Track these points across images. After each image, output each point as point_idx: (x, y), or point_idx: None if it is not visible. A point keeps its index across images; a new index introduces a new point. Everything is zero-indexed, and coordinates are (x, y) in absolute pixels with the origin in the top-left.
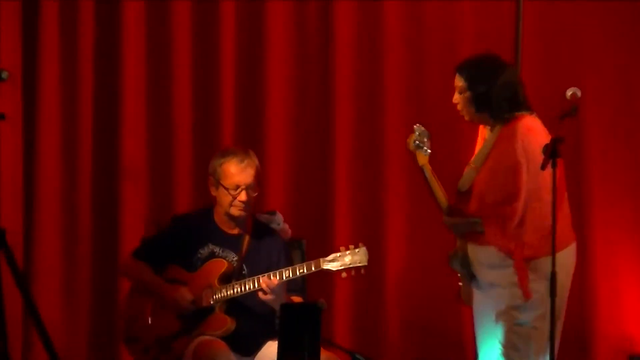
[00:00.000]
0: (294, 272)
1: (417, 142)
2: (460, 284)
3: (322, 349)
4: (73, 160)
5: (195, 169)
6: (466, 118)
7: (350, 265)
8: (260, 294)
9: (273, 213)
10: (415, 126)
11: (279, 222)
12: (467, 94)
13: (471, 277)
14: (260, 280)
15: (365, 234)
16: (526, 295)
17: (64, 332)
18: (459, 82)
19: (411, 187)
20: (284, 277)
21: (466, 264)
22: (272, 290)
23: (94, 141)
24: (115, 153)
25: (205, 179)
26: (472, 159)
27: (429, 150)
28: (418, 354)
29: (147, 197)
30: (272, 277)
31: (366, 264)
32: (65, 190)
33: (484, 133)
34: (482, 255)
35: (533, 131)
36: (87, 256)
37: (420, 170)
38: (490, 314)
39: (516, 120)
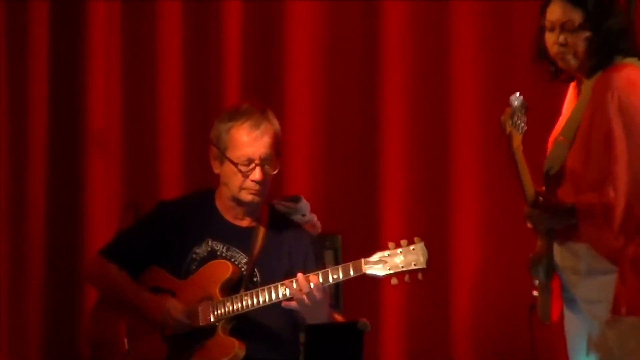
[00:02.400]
0: (326, 278)
1: (515, 119)
2: (535, 293)
3: None
4: (22, 128)
5: (187, 140)
6: (571, 65)
7: (403, 269)
8: (292, 302)
9: (296, 200)
10: (511, 97)
11: (305, 211)
12: (586, 32)
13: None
14: (299, 278)
15: (424, 230)
16: (629, 311)
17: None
18: (572, 15)
19: (485, 173)
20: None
21: (552, 271)
22: (309, 296)
23: (50, 104)
24: (79, 119)
25: (202, 152)
26: (561, 129)
27: (525, 128)
28: None
29: (121, 178)
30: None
31: (425, 266)
32: (11, 169)
33: (573, 94)
34: (575, 259)
35: (637, 86)
36: (39, 256)
37: (511, 153)
38: (582, 339)
39: (614, 69)
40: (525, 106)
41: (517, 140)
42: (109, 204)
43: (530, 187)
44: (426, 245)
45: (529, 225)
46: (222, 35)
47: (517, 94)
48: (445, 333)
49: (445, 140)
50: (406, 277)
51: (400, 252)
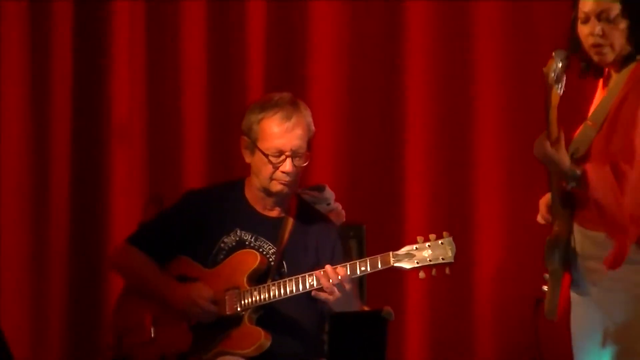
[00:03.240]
0: (354, 270)
1: (558, 73)
2: (545, 288)
3: None
4: (45, 121)
5: (210, 132)
6: (607, 57)
7: (431, 262)
8: (322, 293)
9: (321, 189)
10: (554, 52)
11: (329, 200)
12: (623, 22)
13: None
14: (328, 269)
15: (447, 220)
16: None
17: (29, 348)
18: (608, 5)
19: (508, 166)
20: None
21: (568, 258)
22: (339, 287)
23: (73, 97)
24: (102, 112)
25: (225, 144)
26: (590, 114)
27: (563, 90)
28: None
29: (144, 171)
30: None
31: (452, 260)
32: (35, 162)
33: (601, 93)
34: (594, 247)
35: None
36: (63, 249)
37: (547, 106)
38: (597, 333)
39: None
40: (567, 64)
41: (555, 99)
42: (133, 197)
43: (555, 129)
44: (454, 240)
45: (537, 155)
46: (245, 35)
47: (560, 49)
48: (468, 323)
49: (468, 133)
50: (433, 271)
51: (429, 246)
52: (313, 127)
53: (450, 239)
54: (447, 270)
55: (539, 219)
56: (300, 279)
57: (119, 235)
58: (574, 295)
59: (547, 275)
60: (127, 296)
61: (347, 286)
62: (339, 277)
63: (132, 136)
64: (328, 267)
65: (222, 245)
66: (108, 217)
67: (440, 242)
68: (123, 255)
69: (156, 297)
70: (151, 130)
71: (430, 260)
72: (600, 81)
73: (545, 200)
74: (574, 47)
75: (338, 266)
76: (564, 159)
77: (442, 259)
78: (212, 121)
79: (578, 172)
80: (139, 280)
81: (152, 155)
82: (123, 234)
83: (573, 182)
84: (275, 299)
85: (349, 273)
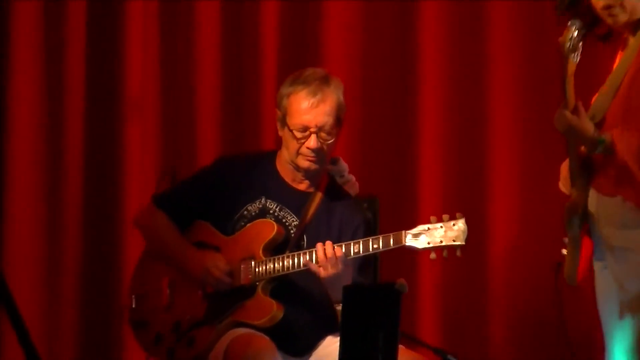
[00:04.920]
0: (366, 248)
1: (573, 42)
2: (564, 251)
3: (402, 348)
4: (59, 93)
5: (224, 105)
6: (619, 19)
7: (443, 244)
8: (312, 264)
9: (334, 161)
10: (570, 22)
11: (343, 172)
12: None
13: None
14: (328, 244)
15: (460, 194)
16: None
17: (44, 310)
18: None
19: (522, 144)
20: (352, 254)
21: (584, 225)
22: (332, 265)
23: (87, 69)
24: (116, 85)
25: (239, 117)
26: (606, 82)
27: (579, 58)
28: (529, 357)
29: (158, 144)
30: (335, 247)
31: (463, 243)
32: (49, 134)
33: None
34: (611, 212)
35: None
36: (77, 220)
37: (562, 76)
38: (615, 304)
39: None
40: (583, 32)
41: (571, 67)
42: (147, 170)
43: (572, 98)
44: (467, 222)
45: (559, 128)
46: (258, 36)
47: (578, 20)
48: (482, 295)
49: (482, 110)
50: (445, 252)
51: (441, 226)
52: (344, 104)
53: (463, 220)
54: (459, 252)
55: (560, 185)
56: (314, 252)
57: (133, 208)
58: (595, 263)
59: (566, 239)
60: (147, 260)
61: (340, 266)
62: (336, 256)
63: (145, 108)
64: (328, 243)
65: (245, 212)
66: (122, 189)
67: (452, 223)
68: (146, 218)
69: (174, 263)
70: (165, 101)
71: (441, 242)
72: (620, 50)
73: (566, 164)
74: (588, 18)
75: (336, 245)
76: (587, 126)
77: (454, 240)
78: (225, 93)
79: (604, 137)
80: (158, 245)
81: (165, 127)
82: (137, 206)
83: (600, 147)
84: (288, 271)
85: (361, 250)
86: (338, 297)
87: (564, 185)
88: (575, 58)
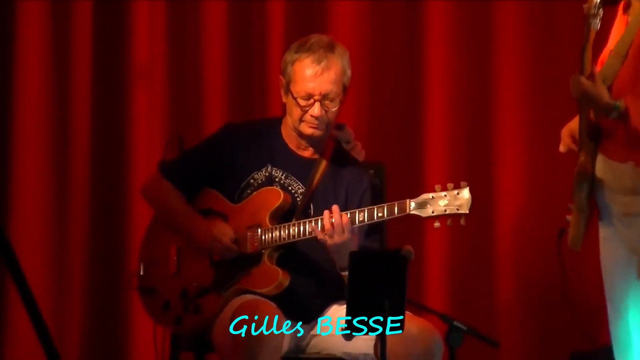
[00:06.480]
0: (371, 216)
1: (597, 8)
2: (568, 218)
3: (408, 314)
4: (65, 59)
5: (231, 72)
6: None
7: (447, 212)
8: (319, 232)
9: (340, 127)
10: None
11: (349, 139)
12: None
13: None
14: (334, 209)
15: (466, 161)
16: None
17: (53, 276)
18: None
19: (532, 106)
20: (357, 222)
21: (594, 190)
22: (339, 233)
23: (94, 35)
24: (123, 51)
25: (246, 84)
26: (614, 45)
27: (599, 25)
28: (539, 326)
29: (165, 110)
30: (341, 215)
31: (467, 211)
32: (55, 101)
33: (622, 20)
34: (621, 178)
35: None
36: (84, 189)
37: (583, 45)
38: (625, 269)
39: None
40: (605, 1)
41: (591, 36)
42: (153, 137)
43: (589, 64)
44: (471, 191)
45: (574, 93)
46: (265, 36)
47: None
48: (488, 261)
49: (490, 77)
50: (449, 221)
51: (445, 195)
52: (349, 71)
53: (467, 189)
54: (462, 221)
55: (561, 147)
56: (320, 220)
57: (140, 175)
58: (602, 230)
59: (571, 205)
60: (155, 228)
61: (347, 234)
62: (342, 223)
63: (152, 74)
64: (335, 208)
65: (252, 180)
66: (128, 156)
67: (456, 192)
68: (153, 186)
69: (181, 230)
70: (171, 68)
71: (445, 211)
72: (620, 8)
73: (567, 129)
74: None
75: (342, 213)
76: (602, 92)
77: (458, 209)
78: (232, 60)
79: (619, 103)
80: (166, 214)
81: (172, 94)
82: (144, 174)
83: (614, 112)
84: (294, 239)
85: (366, 219)
86: (344, 265)
87: (565, 147)
88: (596, 25)
